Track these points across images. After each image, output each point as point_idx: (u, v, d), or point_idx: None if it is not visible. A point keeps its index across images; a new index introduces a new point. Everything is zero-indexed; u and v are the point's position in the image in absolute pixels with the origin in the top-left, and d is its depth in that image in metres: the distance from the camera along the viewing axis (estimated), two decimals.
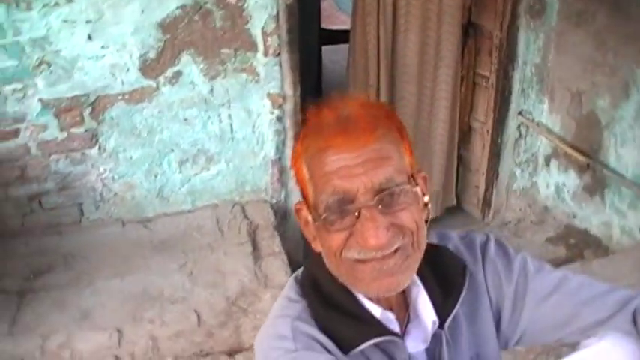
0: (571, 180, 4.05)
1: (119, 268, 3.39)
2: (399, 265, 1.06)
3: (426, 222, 1.13)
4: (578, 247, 3.88)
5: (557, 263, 3.52)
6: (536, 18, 4.01)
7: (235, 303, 3.13)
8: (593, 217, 3.91)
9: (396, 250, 1.05)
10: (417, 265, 1.11)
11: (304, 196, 1.12)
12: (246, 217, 3.74)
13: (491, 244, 1.28)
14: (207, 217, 3.76)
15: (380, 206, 1.02)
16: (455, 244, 1.28)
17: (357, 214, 1.03)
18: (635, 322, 1.16)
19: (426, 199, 1.13)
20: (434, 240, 1.27)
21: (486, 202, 4.67)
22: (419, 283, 1.19)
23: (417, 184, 1.08)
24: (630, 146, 3.56)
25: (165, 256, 3.48)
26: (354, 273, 1.08)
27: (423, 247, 1.11)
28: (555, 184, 4.21)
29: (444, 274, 1.20)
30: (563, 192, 4.14)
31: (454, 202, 4.78)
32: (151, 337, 2.95)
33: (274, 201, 3.95)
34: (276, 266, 3.36)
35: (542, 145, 4.26)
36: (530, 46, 4.12)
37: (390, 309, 1.17)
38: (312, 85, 5.34)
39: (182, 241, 3.59)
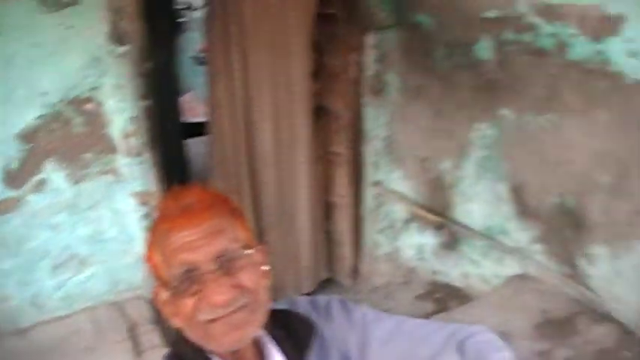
0: (429, 239, 4.31)
1: None
2: (245, 319, 1.23)
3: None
4: (444, 300, 4.12)
5: (426, 317, 3.75)
6: (379, 95, 4.35)
7: None
8: (452, 271, 4.18)
9: (241, 307, 1.22)
10: (262, 320, 1.29)
11: (159, 279, 1.29)
12: (123, 314, 3.75)
13: (334, 303, 1.48)
14: (85, 320, 3.72)
15: (221, 270, 1.21)
16: (303, 307, 1.46)
17: (203, 279, 1.20)
18: (460, 351, 1.36)
19: (266, 267, 1.33)
20: (285, 306, 1.46)
21: (355, 271, 4.87)
22: (273, 344, 1.37)
23: (253, 253, 1.28)
24: (475, 202, 3.88)
25: None
26: (208, 332, 1.23)
27: (266, 305, 1.30)
28: (416, 245, 4.46)
29: (294, 334, 1.38)
30: (424, 251, 4.40)
31: (326, 276, 4.92)
32: None
33: (151, 296, 3.94)
34: (158, 359, 3.37)
35: (399, 211, 4.53)
36: (377, 121, 4.42)
37: None
38: (178, 179, 5.42)
39: (60, 347, 3.52)
